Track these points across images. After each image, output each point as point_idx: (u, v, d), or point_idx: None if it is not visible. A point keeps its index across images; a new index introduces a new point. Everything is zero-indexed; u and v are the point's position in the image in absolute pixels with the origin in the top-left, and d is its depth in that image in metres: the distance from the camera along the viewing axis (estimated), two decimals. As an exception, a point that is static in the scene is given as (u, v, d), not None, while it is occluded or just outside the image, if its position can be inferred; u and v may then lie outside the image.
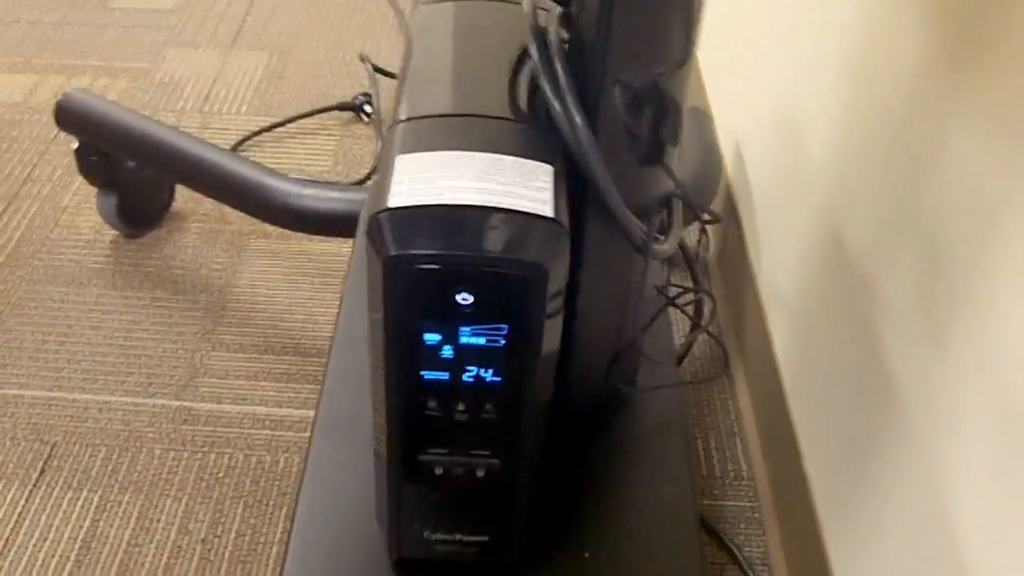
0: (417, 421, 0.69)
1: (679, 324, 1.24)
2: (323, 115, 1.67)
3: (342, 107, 1.68)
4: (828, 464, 0.95)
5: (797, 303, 1.06)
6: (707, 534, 1.06)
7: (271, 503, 1.09)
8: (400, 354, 0.66)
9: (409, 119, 0.70)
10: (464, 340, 0.65)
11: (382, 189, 0.64)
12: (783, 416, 1.05)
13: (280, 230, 1.42)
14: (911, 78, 0.80)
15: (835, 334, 0.95)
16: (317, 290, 1.35)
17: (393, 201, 0.63)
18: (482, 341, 0.65)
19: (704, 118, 1.35)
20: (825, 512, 0.94)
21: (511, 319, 0.64)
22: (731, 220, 1.31)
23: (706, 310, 1.13)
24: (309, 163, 1.57)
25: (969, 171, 0.70)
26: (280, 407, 1.19)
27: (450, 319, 0.64)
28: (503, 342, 0.65)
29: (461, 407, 0.68)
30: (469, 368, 0.66)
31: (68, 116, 1.31)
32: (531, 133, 0.70)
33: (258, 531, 1.07)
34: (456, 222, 0.62)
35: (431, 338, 0.65)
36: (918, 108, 0.79)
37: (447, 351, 0.65)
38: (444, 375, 0.66)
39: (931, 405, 0.74)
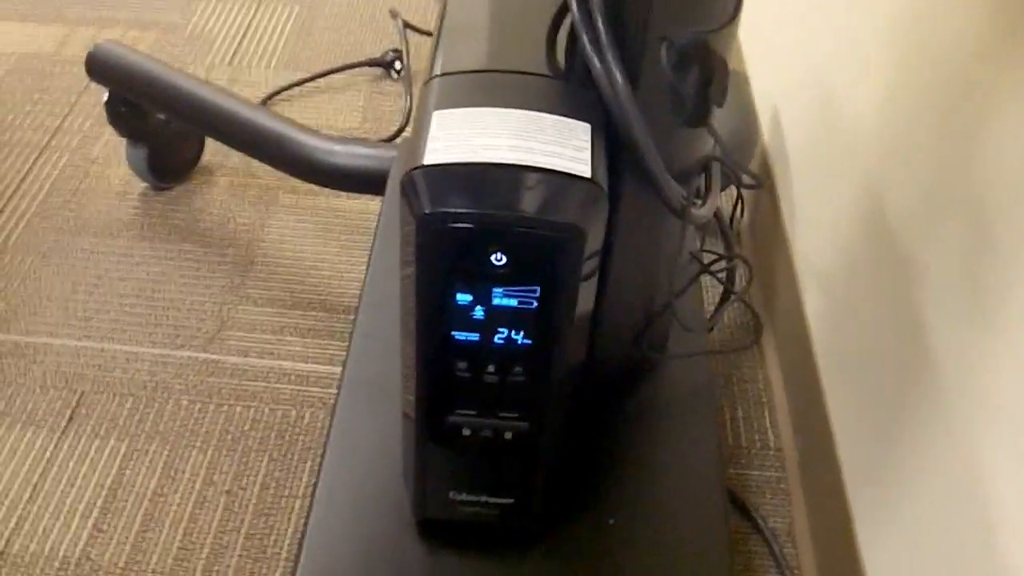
0: (446, 382, 0.68)
1: (710, 292, 1.22)
2: (352, 71, 1.66)
3: (372, 63, 1.67)
4: (858, 438, 0.94)
5: (832, 273, 1.05)
6: (732, 503, 1.06)
7: (295, 457, 1.09)
8: (431, 314, 0.65)
9: (444, 74, 0.69)
10: (496, 301, 0.64)
11: (417, 145, 0.63)
12: (814, 387, 1.04)
13: (308, 186, 1.42)
14: (963, 43, 0.78)
15: (871, 306, 0.94)
16: (344, 246, 1.35)
17: (428, 158, 0.62)
18: (514, 303, 0.64)
19: (740, 80, 1.33)
20: (853, 486, 0.94)
21: (544, 281, 0.63)
22: (766, 190, 1.29)
23: (740, 278, 1.12)
24: (338, 119, 1.56)
25: (1021, 145, 0.68)
26: (306, 362, 1.19)
27: (483, 280, 0.63)
28: (535, 305, 0.64)
29: (491, 369, 0.67)
30: (500, 330, 0.65)
31: (99, 66, 1.30)
32: (570, 91, 0.68)
33: (282, 484, 1.07)
34: (492, 181, 0.61)
35: (463, 298, 0.64)
36: (969, 75, 0.77)
37: (478, 312, 0.65)
38: (474, 336, 0.66)
39: (970, 383, 0.73)
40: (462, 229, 0.61)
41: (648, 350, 0.88)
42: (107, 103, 1.32)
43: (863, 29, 0.99)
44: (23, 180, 1.43)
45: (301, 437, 1.12)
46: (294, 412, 1.14)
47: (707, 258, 0.89)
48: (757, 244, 1.30)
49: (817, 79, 1.12)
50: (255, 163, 1.45)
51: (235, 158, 1.47)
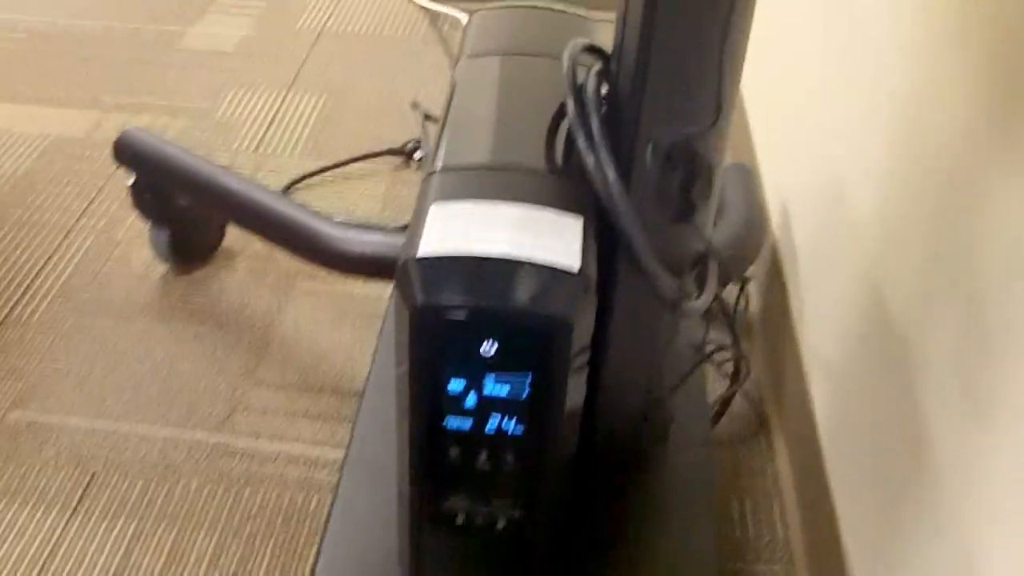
0: (439, 468, 0.69)
1: (717, 384, 1.23)
2: (374, 159, 1.69)
3: (392, 152, 1.70)
4: (865, 533, 0.94)
5: (839, 366, 1.05)
6: (737, 596, 1.05)
7: (301, 542, 1.10)
8: (424, 401, 0.66)
9: (445, 169, 0.71)
10: (488, 390, 0.65)
11: (414, 237, 0.65)
12: (821, 481, 1.04)
13: (326, 273, 1.44)
14: (958, 143, 0.80)
15: (874, 397, 0.94)
16: (359, 333, 1.36)
17: (423, 250, 0.64)
18: (505, 392, 0.65)
19: (749, 176, 1.35)
20: (858, 578, 0.93)
21: (535, 371, 0.64)
22: (775, 280, 1.30)
23: (745, 371, 1.12)
24: (359, 206, 1.59)
25: (1014, 236, 0.69)
26: (315, 447, 1.20)
27: (475, 368, 0.64)
28: (526, 393, 0.65)
29: (483, 457, 0.68)
30: (492, 418, 0.67)
31: (126, 152, 1.34)
32: (565, 186, 0.70)
33: (287, 569, 1.07)
34: (484, 273, 0.63)
35: (455, 386, 0.65)
36: (963, 173, 0.78)
37: (471, 400, 0.66)
38: (467, 424, 0.67)
39: (968, 478, 0.73)
40: (454, 320, 0.62)
41: (649, 440, 0.89)
42: (132, 187, 1.35)
43: (871, 128, 1.01)
44: (48, 260, 1.47)
45: (307, 522, 1.12)
46: (301, 497, 1.15)
47: (709, 349, 0.90)
48: (767, 337, 1.31)
49: (826, 176, 1.14)
50: (276, 249, 1.48)
51: (256, 243, 1.50)
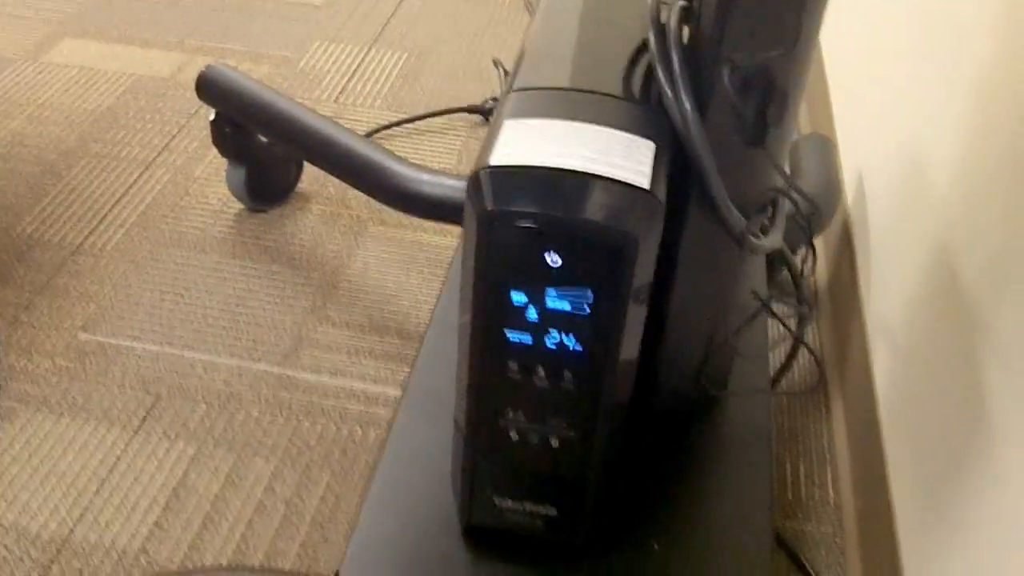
0: (497, 382, 0.70)
1: (780, 346, 1.22)
2: (452, 115, 1.70)
3: (471, 110, 1.71)
4: (917, 502, 0.93)
5: (903, 337, 1.04)
6: (787, 556, 1.05)
7: (357, 474, 1.11)
8: (486, 311, 0.67)
9: (520, 89, 0.71)
10: (550, 304, 0.65)
11: (487, 149, 0.65)
12: (876, 449, 1.03)
13: (397, 218, 1.46)
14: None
15: (938, 371, 0.93)
16: (426, 279, 1.37)
17: (495, 159, 0.64)
18: (567, 307, 0.65)
19: (827, 144, 1.33)
20: (909, 550, 0.92)
21: (597, 286, 0.64)
22: (845, 249, 1.29)
23: (810, 331, 1.12)
24: (434, 159, 1.60)
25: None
26: (376, 384, 1.22)
27: (538, 280, 0.64)
28: (588, 310, 0.65)
29: (541, 373, 0.69)
30: (552, 333, 0.67)
31: (208, 87, 1.36)
32: (641, 113, 0.70)
33: (341, 499, 1.08)
34: (554, 184, 0.63)
35: (518, 298, 0.66)
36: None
37: (532, 313, 0.66)
38: (527, 337, 0.67)
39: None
40: (521, 228, 0.63)
41: (708, 385, 0.88)
42: (213, 123, 1.38)
43: (952, 99, 0.99)
44: (127, 192, 1.50)
45: (365, 455, 1.14)
46: (360, 431, 1.16)
47: (771, 301, 0.90)
48: (835, 306, 1.30)
49: (905, 149, 1.12)
50: (350, 193, 1.50)
51: (331, 188, 1.52)
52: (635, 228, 0.62)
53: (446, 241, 1.43)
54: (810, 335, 1.27)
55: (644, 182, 0.63)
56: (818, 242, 1.38)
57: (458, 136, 1.67)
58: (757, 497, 0.88)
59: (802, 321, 1.04)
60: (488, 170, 0.64)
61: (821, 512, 1.10)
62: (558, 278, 0.64)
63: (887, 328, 1.10)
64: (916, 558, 0.90)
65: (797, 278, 0.94)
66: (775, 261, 1.13)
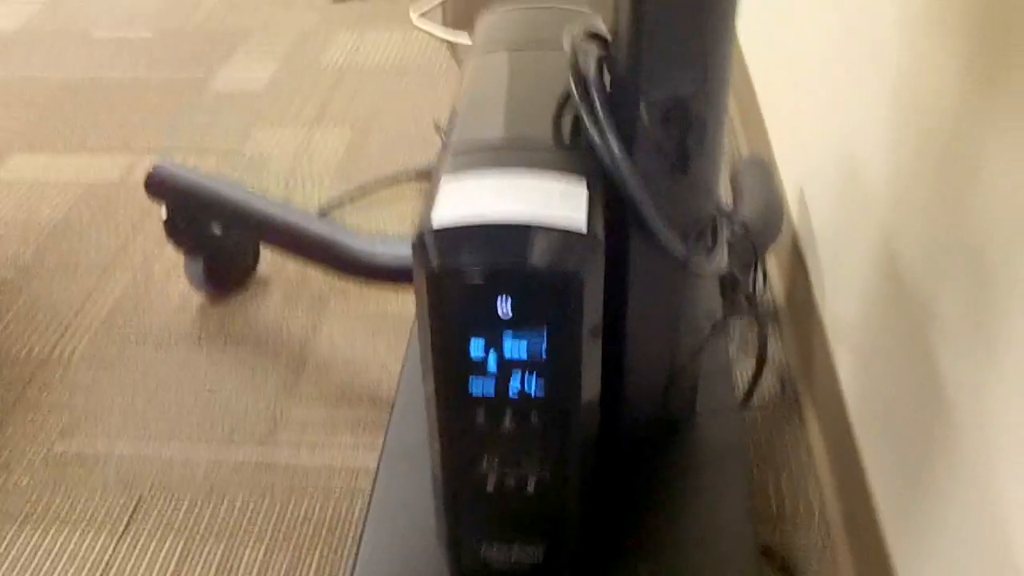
0: (467, 433, 0.71)
1: (746, 362, 1.24)
2: (400, 186, 1.72)
3: (420, 175, 1.73)
4: (896, 499, 0.94)
5: (861, 338, 1.07)
6: (779, 569, 1.06)
7: (347, 548, 1.12)
8: (447, 366, 0.69)
9: (455, 149, 0.74)
10: (507, 352, 0.67)
11: (427, 208, 0.68)
12: (852, 452, 1.05)
13: (358, 292, 1.48)
14: (953, 104, 0.82)
15: (896, 363, 0.95)
16: (392, 347, 1.39)
17: (436, 219, 0.66)
18: (524, 353, 0.67)
19: (765, 166, 1.37)
20: (896, 549, 0.94)
21: (550, 328, 0.66)
22: (797, 263, 1.32)
23: (770, 343, 1.14)
24: (388, 228, 1.62)
25: (1011, 186, 0.71)
26: (356, 455, 1.23)
27: (492, 330, 0.66)
28: (544, 353, 0.67)
29: (508, 419, 0.70)
30: (514, 379, 0.69)
31: (157, 185, 1.38)
32: (571, 158, 0.73)
33: (334, 574, 1.09)
34: (495, 237, 0.65)
35: (476, 350, 0.67)
36: (960, 133, 0.80)
37: (492, 363, 0.68)
38: (490, 387, 0.69)
39: (986, 426, 0.74)
40: (469, 283, 0.65)
41: (675, 409, 0.90)
42: (166, 220, 1.39)
43: (871, 102, 1.03)
44: (88, 298, 1.51)
45: (352, 530, 1.14)
46: (345, 505, 1.17)
47: (727, 322, 0.92)
48: (795, 322, 1.32)
49: (837, 157, 1.16)
50: (309, 271, 1.52)
51: (289, 268, 1.54)
52: (578, 267, 0.64)
53: (408, 308, 1.44)
54: (775, 350, 1.29)
55: (581, 225, 0.66)
56: (770, 259, 1.41)
57: (409, 204, 1.69)
58: (738, 515, 0.89)
59: (762, 336, 1.07)
60: (431, 231, 0.66)
61: (808, 522, 1.11)
62: (511, 326, 0.66)
63: (846, 333, 1.12)
64: (904, 554, 0.91)
65: (750, 295, 0.96)
66: (729, 283, 1.15)
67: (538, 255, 0.64)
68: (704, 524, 0.88)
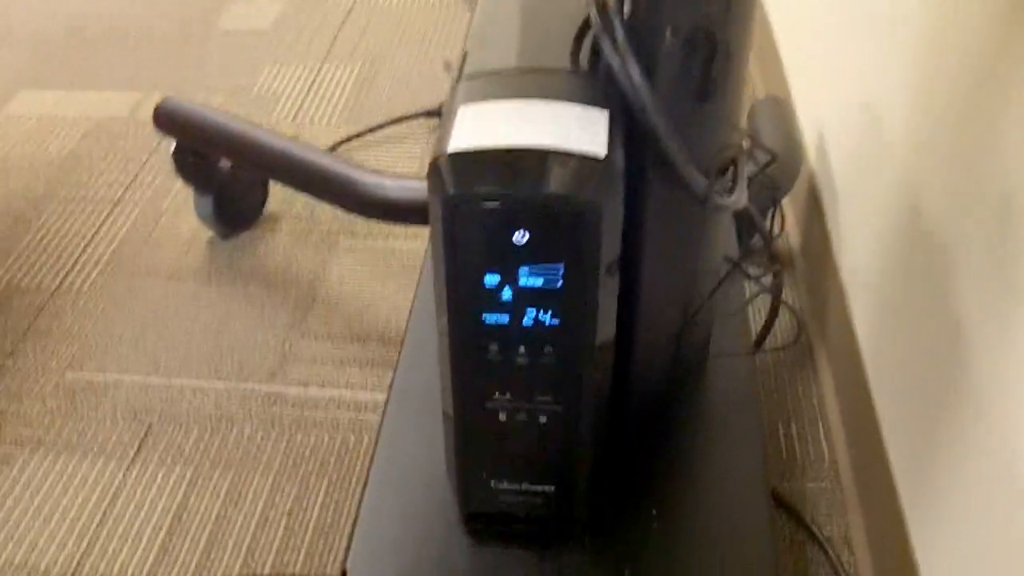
0: (480, 366, 0.71)
1: (760, 309, 1.24)
2: (410, 122, 1.71)
3: (428, 114, 1.72)
4: (909, 445, 0.94)
5: (878, 285, 1.06)
6: (788, 514, 1.06)
7: (354, 480, 1.12)
8: (461, 297, 0.68)
9: (470, 76, 0.73)
10: (523, 282, 0.67)
11: (443, 136, 0.67)
12: (865, 399, 1.04)
13: (367, 230, 1.47)
14: (979, 46, 0.80)
15: (914, 310, 0.94)
16: (401, 285, 1.38)
17: (452, 145, 0.65)
18: (540, 283, 0.67)
19: (783, 106, 1.35)
20: (905, 489, 0.93)
21: (567, 258, 0.65)
22: (813, 208, 1.31)
23: (784, 288, 1.13)
24: (396, 167, 1.61)
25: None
26: (364, 391, 1.23)
27: (508, 260, 0.66)
28: (560, 283, 0.66)
29: (521, 351, 0.70)
30: (528, 311, 0.68)
31: (166, 118, 1.37)
32: (591, 85, 0.72)
33: (340, 505, 1.09)
34: (513, 163, 0.64)
35: (491, 280, 0.67)
36: (985, 76, 0.79)
37: (506, 293, 0.67)
38: (504, 318, 0.68)
39: (1005, 373, 0.73)
40: (486, 209, 0.64)
41: (688, 352, 0.89)
42: (174, 154, 1.38)
43: (898, 47, 1.01)
44: (98, 231, 1.50)
45: (359, 461, 1.15)
46: (352, 438, 1.17)
47: (746, 267, 0.91)
48: (809, 268, 1.32)
49: (858, 101, 1.14)
50: (317, 210, 1.51)
51: (298, 206, 1.53)
52: (596, 196, 0.64)
53: (417, 246, 1.44)
54: (788, 295, 1.29)
55: (600, 151, 0.64)
56: (787, 203, 1.40)
57: (417, 142, 1.68)
58: (750, 457, 0.89)
59: (777, 280, 1.06)
60: (447, 156, 0.65)
61: (818, 469, 1.11)
62: (527, 255, 0.65)
63: (863, 278, 1.11)
64: (916, 501, 0.91)
65: (767, 238, 0.95)
66: (745, 227, 1.14)
67: (556, 181, 0.63)
68: (716, 468, 0.87)
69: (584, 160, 0.64)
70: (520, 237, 0.64)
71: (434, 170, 0.65)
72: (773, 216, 1.22)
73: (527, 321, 0.68)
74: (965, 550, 0.80)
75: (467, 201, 0.64)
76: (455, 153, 0.65)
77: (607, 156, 0.64)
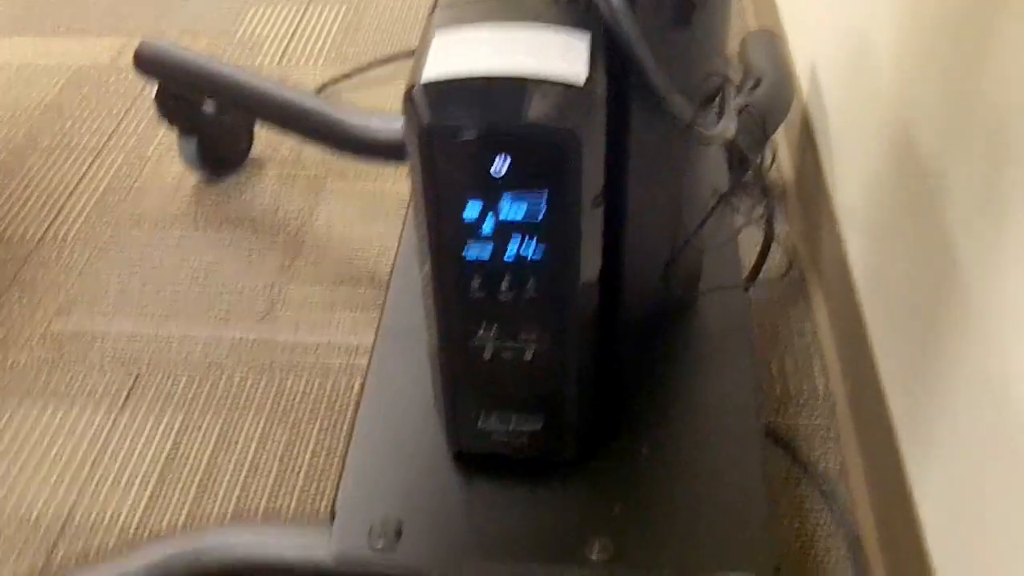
0: (463, 302, 0.69)
1: (752, 245, 1.22)
2: (397, 62, 1.68)
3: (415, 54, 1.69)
4: (905, 377, 0.93)
5: (872, 217, 1.04)
6: (782, 450, 1.05)
7: (345, 424, 1.11)
8: (441, 232, 0.66)
9: (447, 4, 0.70)
10: (503, 215, 0.65)
11: (418, 64, 0.65)
12: (859, 332, 1.03)
13: (355, 172, 1.45)
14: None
15: (908, 241, 0.93)
16: (389, 227, 1.36)
17: (427, 74, 0.63)
18: (520, 215, 0.65)
19: (774, 39, 1.33)
20: (900, 422, 0.93)
21: (548, 189, 0.64)
22: (806, 143, 1.29)
23: (776, 222, 1.11)
24: (384, 108, 1.59)
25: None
26: (355, 335, 1.21)
27: (488, 192, 0.64)
28: (542, 215, 0.65)
29: (504, 286, 0.68)
30: (511, 243, 0.66)
31: (147, 59, 1.34)
32: (569, 10, 0.69)
33: (332, 450, 1.09)
34: (490, 91, 0.63)
35: (471, 213, 0.65)
36: (973, 6, 0.77)
37: (487, 227, 0.66)
38: (485, 252, 0.67)
39: (997, 301, 0.72)
40: (462, 140, 0.62)
41: (677, 286, 0.88)
42: (157, 96, 1.36)
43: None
44: (81, 179, 1.48)
45: (351, 406, 1.14)
46: (343, 382, 1.16)
47: (737, 199, 0.89)
48: (803, 204, 1.30)
49: (850, 33, 1.12)
50: (304, 153, 1.49)
51: (284, 150, 1.51)
52: (576, 124, 0.62)
53: (405, 187, 1.42)
54: (781, 230, 1.27)
55: (580, 78, 0.63)
56: (779, 137, 1.38)
57: (404, 83, 1.65)
58: (742, 392, 0.88)
59: (769, 213, 1.04)
60: (421, 86, 0.63)
61: (812, 405, 1.10)
62: (507, 186, 0.63)
63: (856, 211, 1.10)
64: (912, 434, 0.90)
65: (757, 170, 0.94)
66: (736, 160, 1.12)
67: (535, 109, 0.61)
68: (707, 403, 0.86)
69: (564, 87, 0.62)
70: (499, 168, 0.63)
71: (409, 100, 0.63)
72: (765, 149, 1.20)
73: (509, 255, 0.67)
74: (962, 480, 0.79)
75: (443, 132, 0.62)
76: (430, 82, 0.63)
77: (587, 83, 0.62)
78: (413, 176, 0.66)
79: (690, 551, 0.75)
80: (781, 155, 1.39)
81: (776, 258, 1.24)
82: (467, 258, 0.67)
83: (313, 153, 1.48)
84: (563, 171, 0.63)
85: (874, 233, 1.03)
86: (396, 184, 1.43)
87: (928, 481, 0.86)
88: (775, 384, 1.12)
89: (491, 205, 0.64)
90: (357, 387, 1.15)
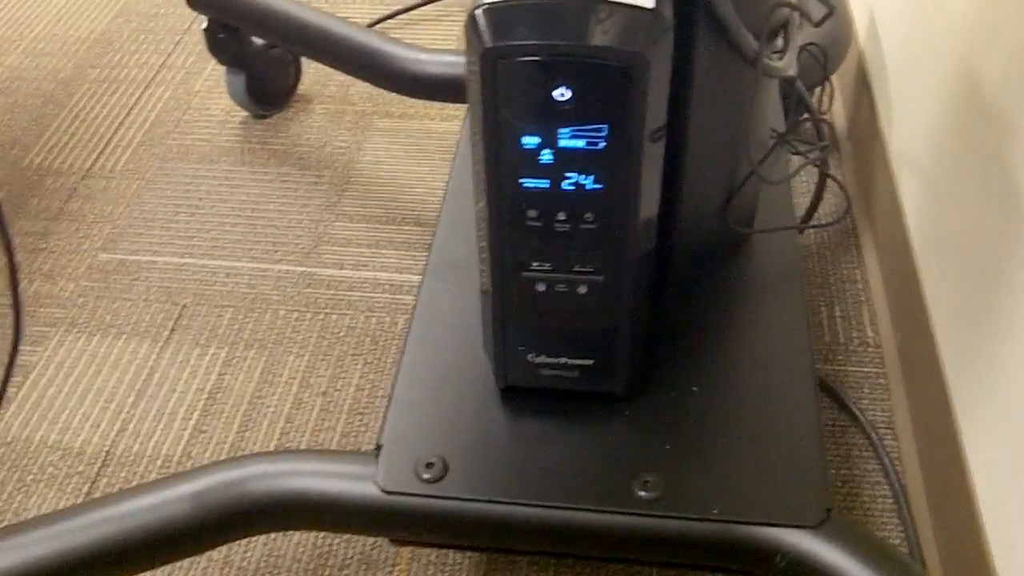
0: (518, 234, 0.68)
1: (806, 188, 1.20)
2: (447, 1, 1.66)
3: (467, -7, 1.67)
4: (956, 324, 0.91)
5: (927, 164, 1.02)
6: (830, 397, 1.04)
7: (389, 360, 1.11)
8: (499, 160, 0.65)
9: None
10: (563, 143, 0.64)
11: (480, -11, 0.63)
12: (913, 281, 1.01)
13: (402, 110, 1.44)
14: None
15: (965, 188, 0.91)
16: (436, 166, 1.35)
17: (491, -3, 0.62)
18: (581, 144, 0.64)
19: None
20: (952, 373, 0.91)
21: (611, 117, 0.62)
22: (862, 88, 1.26)
23: (830, 165, 1.09)
24: (433, 46, 1.57)
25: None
26: (400, 273, 1.21)
27: (549, 119, 0.63)
28: (603, 144, 0.63)
29: (561, 217, 0.67)
30: (569, 174, 0.65)
31: (197, -6, 1.33)
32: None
33: (376, 385, 1.08)
34: (555, 14, 0.61)
35: (530, 141, 0.64)
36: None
37: (546, 156, 0.64)
38: (544, 182, 0.66)
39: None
40: (525, 62, 0.61)
41: (734, 224, 0.86)
42: (206, 30, 1.35)
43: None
44: (129, 113, 1.48)
45: (395, 342, 1.13)
46: (388, 319, 1.16)
47: (791, 139, 0.87)
48: (857, 148, 1.28)
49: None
50: (352, 90, 1.48)
51: (332, 86, 1.50)
52: (644, 49, 0.60)
53: (453, 126, 1.41)
54: (836, 174, 1.25)
55: (649, 2, 0.61)
56: (834, 81, 1.35)
57: (455, 22, 1.64)
58: (795, 335, 0.86)
59: (824, 156, 1.02)
60: (484, 7, 0.61)
61: (862, 353, 1.09)
62: (569, 113, 0.62)
63: (912, 157, 1.07)
64: (963, 386, 0.88)
65: (814, 112, 0.91)
66: (793, 103, 1.10)
67: (602, 31, 0.59)
68: (759, 345, 0.85)
69: (632, 9, 0.60)
70: (561, 94, 0.61)
71: (471, 23, 0.61)
72: (822, 93, 1.17)
73: (567, 185, 0.65)
74: (1014, 435, 0.77)
75: (505, 54, 0.60)
76: (493, 4, 0.61)
77: (656, 7, 0.61)
78: (472, 102, 0.64)
79: (740, 494, 0.74)
80: (836, 100, 1.36)
81: (828, 205, 1.22)
82: (524, 187, 0.66)
83: (361, 90, 1.47)
84: (628, 98, 0.61)
85: (931, 178, 1.01)
86: (443, 123, 1.42)
87: (979, 433, 0.84)
88: (824, 331, 1.11)
89: (552, 132, 0.63)
90: (402, 324, 1.14)
